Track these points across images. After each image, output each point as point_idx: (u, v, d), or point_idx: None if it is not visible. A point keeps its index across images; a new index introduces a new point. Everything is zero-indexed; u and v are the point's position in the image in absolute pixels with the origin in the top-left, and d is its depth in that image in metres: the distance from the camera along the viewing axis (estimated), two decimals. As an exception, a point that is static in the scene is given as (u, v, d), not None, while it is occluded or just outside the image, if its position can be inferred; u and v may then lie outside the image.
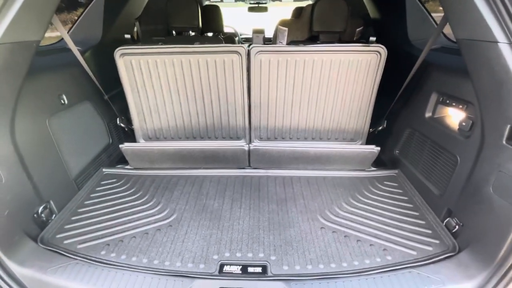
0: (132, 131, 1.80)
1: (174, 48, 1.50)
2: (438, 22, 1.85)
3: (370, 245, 1.20)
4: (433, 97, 1.46)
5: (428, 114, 1.49)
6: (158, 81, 1.56)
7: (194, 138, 1.80)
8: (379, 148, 1.79)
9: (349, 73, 1.57)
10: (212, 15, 3.37)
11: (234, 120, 1.70)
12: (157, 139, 1.79)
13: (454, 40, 1.71)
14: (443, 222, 1.27)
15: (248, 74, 1.59)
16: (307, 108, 1.67)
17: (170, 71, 1.55)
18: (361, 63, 1.55)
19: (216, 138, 1.79)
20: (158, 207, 1.43)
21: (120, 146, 1.66)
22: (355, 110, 1.68)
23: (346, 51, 1.54)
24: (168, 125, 1.75)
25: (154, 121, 1.72)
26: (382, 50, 1.50)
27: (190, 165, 1.75)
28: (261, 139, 1.79)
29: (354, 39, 2.56)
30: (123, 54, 1.52)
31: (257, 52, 1.58)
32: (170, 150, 1.70)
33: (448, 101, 1.36)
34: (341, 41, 2.36)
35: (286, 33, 2.52)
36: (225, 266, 1.11)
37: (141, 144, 1.74)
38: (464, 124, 1.22)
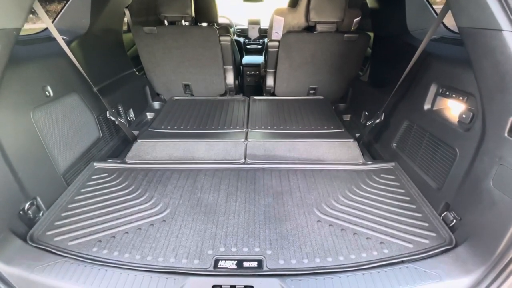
0: (122, 124, 1.75)
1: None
2: (437, 12, 1.82)
3: (367, 238, 1.18)
4: (432, 89, 1.43)
5: (427, 106, 1.46)
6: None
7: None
8: (356, 142, 1.81)
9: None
10: (206, 5, 3.29)
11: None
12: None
13: (455, 30, 1.70)
14: (440, 215, 1.26)
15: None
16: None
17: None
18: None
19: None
20: (151, 201, 1.39)
21: (135, 144, 1.79)
22: None
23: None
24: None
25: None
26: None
27: (187, 158, 1.72)
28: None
29: (352, 29, 2.52)
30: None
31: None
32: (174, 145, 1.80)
33: (448, 93, 1.33)
34: (338, 31, 2.31)
35: (282, 23, 2.46)
36: (220, 261, 1.08)
37: (154, 140, 1.85)
38: (464, 116, 1.19)
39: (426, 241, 1.15)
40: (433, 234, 1.18)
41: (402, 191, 1.46)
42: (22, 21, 1.04)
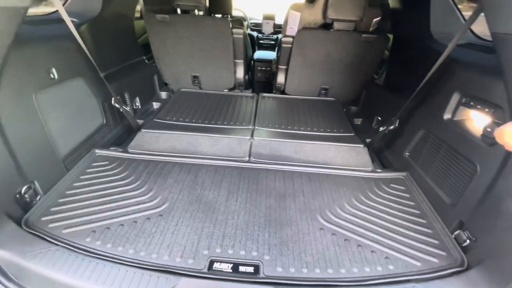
0: (126, 112, 1.71)
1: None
2: (464, 16, 1.71)
3: (372, 251, 1.12)
4: (455, 98, 1.33)
5: (447, 116, 1.37)
6: None
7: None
8: (366, 148, 1.72)
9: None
10: None
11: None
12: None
13: (483, 37, 1.59)
14: (452, 234, 1.18)
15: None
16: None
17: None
18: None
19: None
20: (150, 194, 1.35)
21: (139, 133, 1.76)
22: None
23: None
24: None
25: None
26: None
27: (190, 151, 1.68)
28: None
29: (370, 29, 2.41)
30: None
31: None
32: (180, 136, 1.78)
33: (472, 103, 1.24)
34: (356, 30, 2.22)
35: (298, 19, 2.37)
36: (215, 263, 1.04)
37: (158, 131, 1.81)
38: (489, 130, 1.10)
39: (435, 260, 1.08)
40: (443, 253, 1.11)
41: (412, 203, 1.38)
42: (29, 0, 1.00)
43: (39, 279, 0.96)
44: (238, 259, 1.06)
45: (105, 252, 1.05)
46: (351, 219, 1.27)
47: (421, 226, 1.24)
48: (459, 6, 1.73)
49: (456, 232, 1.17)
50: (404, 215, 1.30)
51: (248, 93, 2.57)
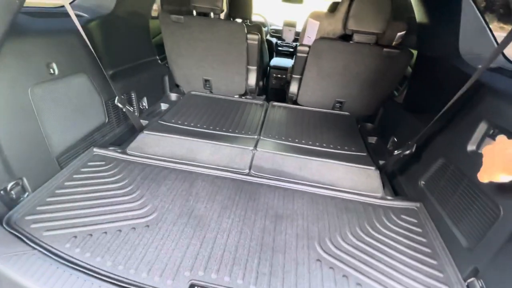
0: (130, 112, 1.67)
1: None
2: (496, 37, 1.56)
3: None
4: (482, 127, 1.19)
5: (471, 147, 1.22)
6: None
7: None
8: (378, 172, 1.57)
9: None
10: (241, 0, 3.17)
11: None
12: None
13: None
14: (465, 281, 1.04)
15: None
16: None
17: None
18: None
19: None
20: (140, 201, 1.29)
21: (140, 135, 1.72)
22: None
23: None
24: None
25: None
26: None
27: (189, 158, 1.61)
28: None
29: (393, 44, 2.28)
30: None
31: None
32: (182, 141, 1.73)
33: (500, 136, 1.09)
34: (377, 44, 2.09)
35: (316, 28, 2.27)
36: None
37: (160, 134, 1.76)
38: None
39: None
40: None
41: (424, 240, 1.23)
42: None
43: (7, 283, 0.91)
44: (220, 285, 0.97)
45: (82, 262, 0.99)
46: (353, 252, 1.15)
47: (431, 268, 1.10)
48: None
49: (470, 280, 1.03)
50: (413, 252, 1.17)
51: (259, 100, 2.48)
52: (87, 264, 0.98)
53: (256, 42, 2.25)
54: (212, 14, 2.25)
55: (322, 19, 2.23)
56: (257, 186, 1.47)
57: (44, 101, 1.30)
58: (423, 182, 1.48)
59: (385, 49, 2.03)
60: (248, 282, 0.99)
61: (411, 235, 1.26)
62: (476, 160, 1.19)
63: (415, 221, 1.34)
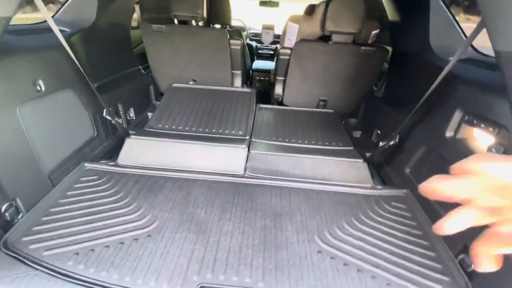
0: (118, 124, 1.66)
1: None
2: (463, 30, 1.69)
3: (372, 277, 1.05)
4: (457, 115, 1.29)
5: (449, 134, 1.33)
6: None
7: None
8: (365, 164, 1.66)
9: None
10: (220, 6, 3.21)
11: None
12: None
13: (484, 52, 1.56)
14: (456, 258, 1.12)
15: None
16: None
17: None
18: None
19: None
20: (139, 212, 1.28)
21: (127, 140, 1.68)
22: None
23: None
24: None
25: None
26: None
27: (183, 164, 1.61)
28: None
29: (369, 42, 2.40)
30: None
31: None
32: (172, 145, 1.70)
33: (475, 121, 1.19)
34: (354, 43, 2.20)
35: (296, 30, 2.35)
36: None
37: (147, 138, 1.71)
38: (493, 151, 1.06)
39: (440, 287, 1.02)
40: (447, 279, 1.05)
41: (414, 223, 1.32)
42: (13, 10, 0.95)
43: None
44: (229, 285, 0.99)
45: (87, 277, 0.98)
46: (351, 241, 1.21)
47: (424, 249, 1.18)
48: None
49: (461, 256, 1.11)
50: (406, 236, 1.24)
51: (246, 89, 2.50)
52: (93, 279, 0.98)
53: (239, 47, 2.29)
54: (193, 22, 2.27)
55: (301, 21, 2.32)
56: (254, 187, 1.50)
57: (32, 118, 1.27)
58: (408, 170, 1.58)
59: (362, 48, 2.14)
60: (255, 279, 1.02)
61: (402, 220, 1.34)
62: (454, 145, 1.29)
63: (404, 206, 1.43)
